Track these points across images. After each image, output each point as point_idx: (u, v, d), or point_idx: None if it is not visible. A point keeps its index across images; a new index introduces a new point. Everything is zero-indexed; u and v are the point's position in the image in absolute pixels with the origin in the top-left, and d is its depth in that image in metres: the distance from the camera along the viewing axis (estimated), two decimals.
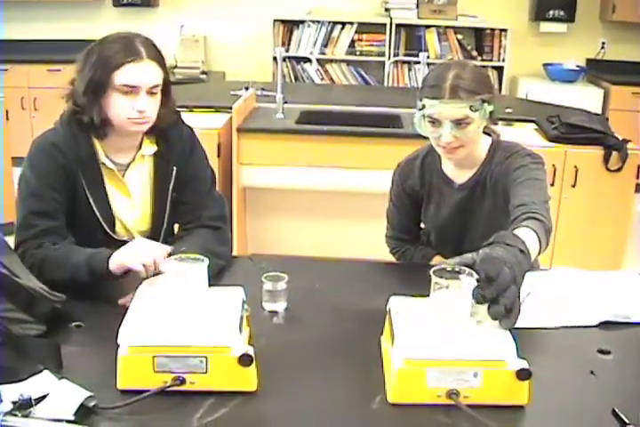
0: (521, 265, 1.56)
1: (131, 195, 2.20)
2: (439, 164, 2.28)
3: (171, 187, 2.22)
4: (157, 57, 2.09)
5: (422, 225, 2.44)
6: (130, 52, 2.03)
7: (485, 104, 2.06)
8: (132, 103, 2.04)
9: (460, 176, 2.25)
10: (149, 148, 2.21)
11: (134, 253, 1.91)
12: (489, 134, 2.24)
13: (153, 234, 2.24)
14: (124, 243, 2.00)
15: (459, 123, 2.05)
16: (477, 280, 1.50)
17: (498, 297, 1.48)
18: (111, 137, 2.14)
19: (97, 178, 2.13)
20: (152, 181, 2.23)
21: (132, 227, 2.22)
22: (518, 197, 1.97)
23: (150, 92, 2.06)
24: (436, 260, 2.34)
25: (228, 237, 2.30)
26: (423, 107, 2.08)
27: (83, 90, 2.04)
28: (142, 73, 2.04)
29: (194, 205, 2.24)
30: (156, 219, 2.24)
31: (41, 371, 1.47)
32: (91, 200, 2.11)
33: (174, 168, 2.22)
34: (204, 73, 6.40)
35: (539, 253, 1.77)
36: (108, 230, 2.15)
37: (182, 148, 2.24)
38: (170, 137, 2.22)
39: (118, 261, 1.91)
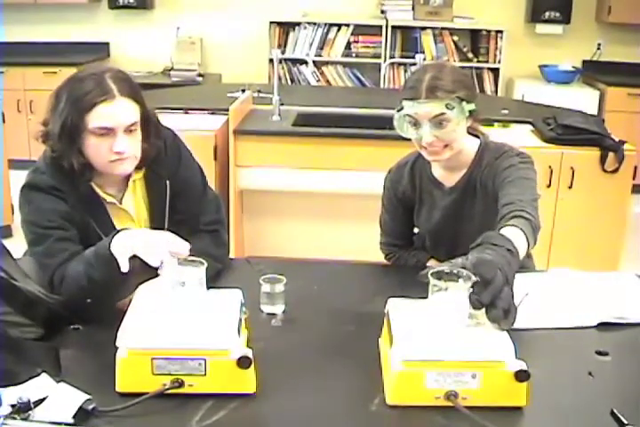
0: (510, 265, 1.56)
1: (134, 220, 2.15)
2: (429, 168, 2.29)
3: (167, 201, 2.17)
4: (131, 92, 1.98)
5: (416, 230, 2.44)
6: (100, 91, 1.92)
7: (464, 102, 2.07)
8: (109, 145, 1.94)
9: (449, 179, 2.25)
10: (138, 172, 2.14)
11: (151, 247, 1.77)
12: (477, 136, 2.24)
13: None
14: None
15: (438, 122, 2.06)
16: (472, 285, 1.51)
17: (494, 301, 1.49)
18: (100, 176, 2.06)
19: (103, 214, 2.07)
20: (147, 200, 2.17)
21: None
22: (506, 196, 1.97)
23: (128, 131, 1.96)
24: (430, 264, 2.34)
25: (224, 240, 2.28)
26: (401, 108, 2.11)
27: (57, 134, 1.95)
28: (116, 113, 1.93)
29: (188, 214, 2.21)
30: (155, 228, 2.21)
31: (39, 374, 1.47)
32: (99, 233, 2.02)
33: (167, 182, 2.16)
34: (200, 75, 6.39)
35: (526, 252, 1.76)
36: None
37: (170, 158, 2.18)
38: (156, 155, 2.14)
39: (128, 249, 1.78)
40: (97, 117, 1.91)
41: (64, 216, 1.98)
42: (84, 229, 2.02)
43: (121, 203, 2.13)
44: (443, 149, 2.11)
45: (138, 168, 2.11)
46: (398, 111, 2.12)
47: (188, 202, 2.21)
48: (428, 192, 2.30)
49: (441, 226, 2.29)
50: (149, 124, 2.06)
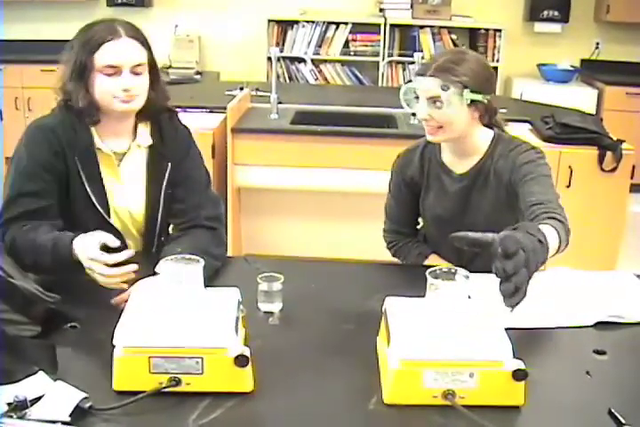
0: (536, 254, 1.53)
1: (124, 182, 2.20)
2: (438, 153, 2.30)
3: (165, 182, 2.23)
4: (137, 36, 2.11)
5: (420, 220, 2.44)
6: (108, 31, 2.06)
7: (466, 90, 2.08)
8: (116, 83, 2.05)
9: (459, 166, 2.27)
10: (144, 137, 2.22)
11: (82, 248, 1.91)
12: (491, 128, 2.26)
13: (147, 230, 2.26)
14: (118, 236, 2.01)
15: (433, 101, 2.11)
16: (499, 254, 1.49)
17: (512, 275, 1.47)
18: (104, 122, 2.14)
19: (92, 163, 2.14)
20: (146, 174, 2.23)
21: (126, 219, 2.23)
22: (534, 195, 1.99)
23: (134, 72, 2.07)
24: (432, 259, 2.34)
25: (223, 239, 2.29)
26: (409, 81, 2.18)
27: (68, 76, 2.08)
28: (122, 51, 2.05)
29: (189, 205, 2.25)
30: (149, 214, 2.25)
31: (36, 372, 1.47)
32: (86, 185, 2.12)
33: (169, 164, 2.23)
34: (198, 73, 6.38)
35: (557, 251, 1.76)
36: (104, 214, 2.15)
37: (177, 146, 2.26)
38: (164, 132, 2.24)
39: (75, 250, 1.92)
40: (104, 56, 2.04)
41: (47, 159, 2.08)
42: (66, 175, 2.10)
43: (119, 165, 2.20)
44: (437, 130, 2.15)
45: (143, 119, 2.21)
46: (406, 83, 2.19)
47: (189, 193, 2.25)
48: (436, 177, 2.30)
49: (447, 213, 2.29)
50: (156, 73, 2.18)
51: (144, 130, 2.23)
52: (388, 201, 2.45)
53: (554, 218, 1.85)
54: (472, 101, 2.11)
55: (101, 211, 2.15)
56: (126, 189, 2.21)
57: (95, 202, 2.13)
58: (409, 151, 2.38)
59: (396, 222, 2.44)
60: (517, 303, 1.50)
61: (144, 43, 2.12)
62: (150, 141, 2.22)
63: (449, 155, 2.28)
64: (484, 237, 1.55)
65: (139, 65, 2.08)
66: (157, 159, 2.23)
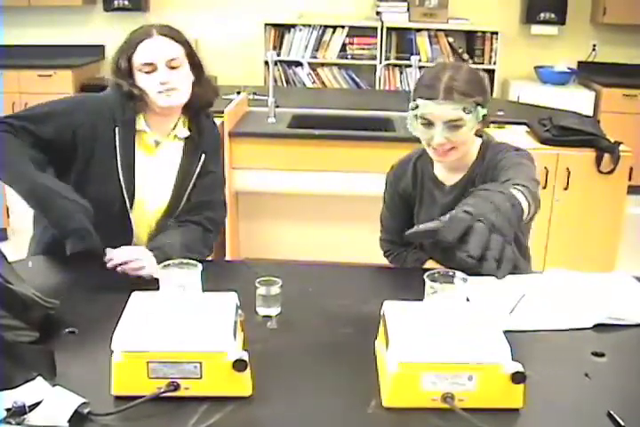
0: (500, 210, 1.48)
1: (156, 169, 2.26)
2: (431, 166, 2.28)
3: (196, 172, 2.29)
4: (170, 33, 2.22)
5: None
6: (143, 33, 2.21)
7: (479, 107, 2.06)
8: (154, 78, 2.16)
9: (450, 178, 2.25)
10: (182, 129, 2.29)
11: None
12: (479, 135, 2.24)
13: (164, 220, 2.29)
14: (129, 229, 2.16)
15: (451, 125, 2.05)
16: (454, 245, 1.44)
17: (484, 253, 1.42)
18: (150, 113, 2.23)
19: (129, 139, 2.20)
20: (179, 165, 2.29)
21: (148, 209, 2.26)
22: (503, 179, 1.91)
23: (170, 66, 2.16)
24: (429, 264, 2.34)
25: (211, 244, 2.37)
26: (416, 107, 2.08)
27: (113, 77, 2.23)
28: (155, 48, 2.17)
29: (198, 201, 2.31)
30: (172, 205, 2.29)
31: (35, 378, 1.47)
32: (118, 158, 2.17)
33: (203, 155, 2.30)
34: None
35: (529, 214, 1.70)
36: (127, 199, 2.19)
37: (213, 139, 2.37)
38: (202, 125, 2.32)
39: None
40: (139, 55, 2.18)
41: (82, 117, 2.17)
42: (91, 145, 2.17)
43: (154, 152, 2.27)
44: (449, 151, 2.10)
45: (188, 112, 2.29)
46: (413, 109, 2.09)
47: (204, 189, 2.33)
48: (428, 191, 2.29)
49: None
50: (198, 68, 2.27)
51: (182, 122, 2.30)
52: (383, 211, 2.44)
53: (516, 184, 1.76)
54: (482, 117, 2.09)
55: (125, 193, 2.19)
56: (158, 176, 2.26)
57: (122, 179, 2.17)
58: (402, 163, 2.36)
59: (391, 232, 2.44)
60: (508, 270, 1.44)
61: (178, 39, 2.22)
62: (187, 133, 2.29)
63: (441, 169, 2.26)
64: (430, 225, 1.50)
65: (172, 59, 2.16)
66: (192, 150, 2.30)
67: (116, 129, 2.17)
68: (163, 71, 2.16)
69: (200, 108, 2.31)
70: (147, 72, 2.16)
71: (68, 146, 2.14)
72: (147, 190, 2.24)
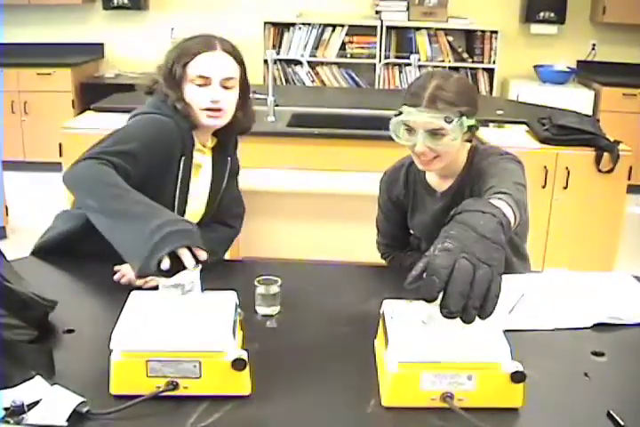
0: (485, 236, 1.43)
1: (196, 187, 2.22)
2: (423, 173, 2.27)
3: (226, 177, 2.30)
4: (232, 51, 2.16)
5: (412, 231, 2.43)
6: (204, 44, 2.12)
7: (464, 118, 2.01)
8: (205, 93, 2.08)
9: (442, 185, 2.23)
10: (210, 139, 2.27)
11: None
12: (469, 141, 2.19)
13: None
14: None
15: (433, 133, 2.01)
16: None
17: (465, 305, 1.36)
18: (195, 131, 2.17)
19: (188, 169, 2.15)
20: (211, 176, 2.28)
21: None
22: (487, 186, 1.90)
23: (224, 86, 2.10)
24: None
25: (233, 238, 2.43)
26: (399, 113, 2.07)
27: (163, 82, 2.12)
28: (215, 63, 2.10)
29: (224, 200, 2.33)
30: (207, 213, 2.30)
31: (33, 377, 1.47)
32: (178, 186, 2.12)
33: (229, 158, 2.31)
34: None
35: (516, 222, 1.66)
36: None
37: (234, 140, 2.35)
38: (224, 130, 2.24)
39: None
40: (197, 66, 2.09)
41: (160, 151, 2.04)
42: (159, 177, 2.07)
43: (199, 171, 2.23)
44: (433, 160, 2.07)
45: (217, 134, 2.24)
46: (396, 116, 2.08)
47: (228, 189, 2.34)
48: (420, 197, 2.28)
49: (433, 231, 2.27)
50: (246, 94, 2.21)
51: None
52: (379, 216, 2.44)
53: (498, 192, 1.73)
54: (468, 127, 2.04)
55: (176, 209, 2.13)
56: (200, 194, 2.25)
57: (176, 203, 2.13)
58: (395, 169, 2.35)
59: (386, 237, 2.45)
60: (492, 312, 1.39)
61: (238, 60, 2.17)
62: (214, 142, 2.27)
63: (433, 175, 2.25)
64: (420, 266, 1.42)
65: (229, 79, 2.11)
66: (221, 156, 2.29)
67: (182, 159, 2.11)
68: (216, 88, 2.09)
69: (234, 133, 2.28)
70: (199, 84, 2.09)
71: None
72: (187, 207, 2.22)
